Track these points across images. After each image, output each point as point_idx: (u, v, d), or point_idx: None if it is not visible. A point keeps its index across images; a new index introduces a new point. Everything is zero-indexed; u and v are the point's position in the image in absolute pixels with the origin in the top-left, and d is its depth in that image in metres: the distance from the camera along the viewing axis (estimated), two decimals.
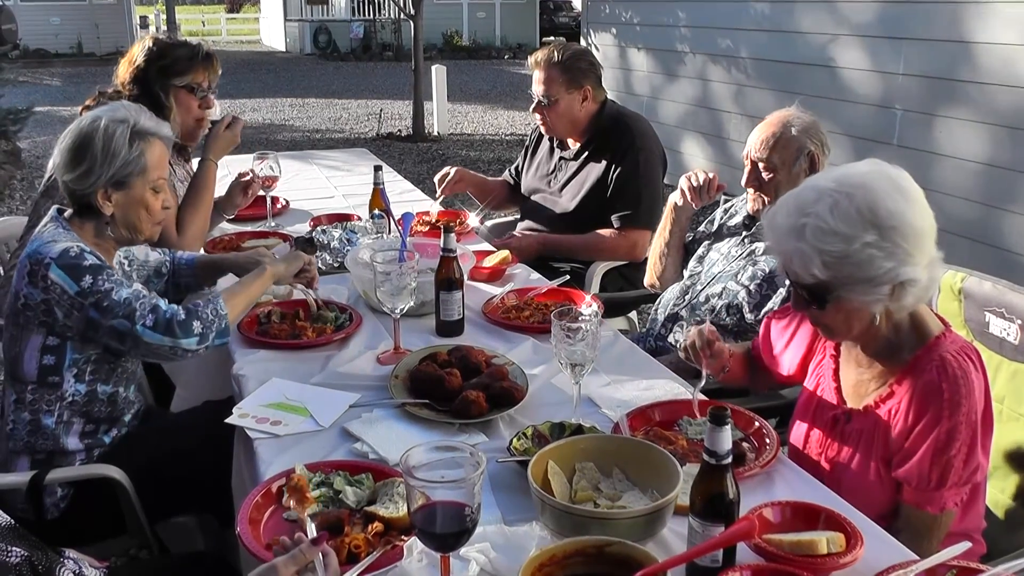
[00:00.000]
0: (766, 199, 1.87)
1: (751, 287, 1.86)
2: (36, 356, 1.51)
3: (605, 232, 2.48)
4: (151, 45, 2.18)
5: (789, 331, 1.49)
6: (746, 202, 1.97)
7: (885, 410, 1.28)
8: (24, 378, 1.52)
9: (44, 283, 1.44)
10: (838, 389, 1.37)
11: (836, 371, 1.38)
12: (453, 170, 2.66)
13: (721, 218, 2.07)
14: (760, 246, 1.91)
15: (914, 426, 1.22)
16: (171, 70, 2.15)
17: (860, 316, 1.24)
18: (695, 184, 1.99)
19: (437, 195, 2.65)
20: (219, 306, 1.53)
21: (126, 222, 1.55)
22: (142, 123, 1.53)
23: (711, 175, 2.00)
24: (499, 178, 2.91)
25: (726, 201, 2.09)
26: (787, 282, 1.72)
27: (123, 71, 2.17)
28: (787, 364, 1.49)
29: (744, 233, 1.97)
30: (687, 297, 1.98)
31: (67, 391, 1.53)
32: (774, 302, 1.82)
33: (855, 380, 1.35)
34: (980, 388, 1.22)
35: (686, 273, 2.06)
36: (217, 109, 2.29)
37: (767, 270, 1.85)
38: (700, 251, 2.06)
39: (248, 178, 2.40)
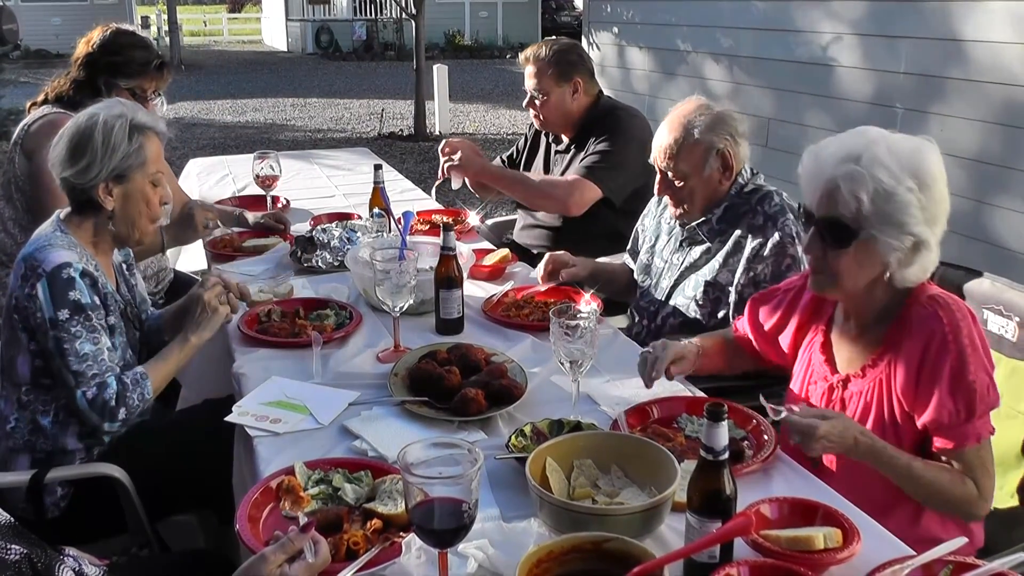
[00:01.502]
0: (685, 206, 1.83)
1: (698, 297, 1.82)
2: (28, 360, 1.52)
3: (553, 177, 2.47)
4: (109, 36, 2.15)
5: (777, 315, 1.50)
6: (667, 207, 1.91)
7: (883, 364, 1.29)
8: (19, 380, 1.53)
9: (31, 291, 1.46)
10: (828, 361, 1.38)
11: (825, 344, 1.40)
12: (462, 143, 2.52)
13: (656, 212, 2.01)
14: (697, 251, 1.86)
15: (921, 363, 1.23)
16: (121, 70, 2.13)
17: (873, 267, 1.26)
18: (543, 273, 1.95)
19: (439, 177, 2.51)
20: (146, 390, 1.51)
21: (126, 217, 1.56)
22: (139, 118, 1.54)
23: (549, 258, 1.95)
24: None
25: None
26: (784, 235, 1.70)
27: (79, 50, 2.16)
28: (782, 343, 1.50)
29: (681, 236, 1.91)
30: (645, 324, 1.93)
31: (61, 393, 1.53)
32: (726, 304, 1.78)
33: (848, 350, 1.36)
34: (973, 315, 1.25)
35: (638, 291, 2.00)
36: (162, 107, 2.24)
37: (710, 278, 1.81)
38: (643, 259, 2.01)
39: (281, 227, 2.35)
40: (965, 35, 3.33)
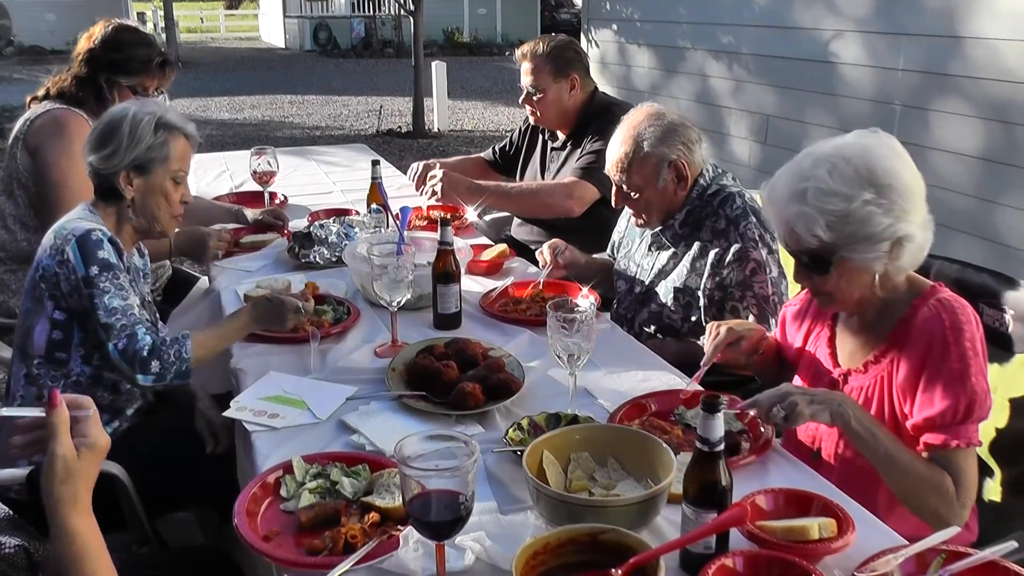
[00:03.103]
0: (644, 216, 1.82)
1: (670, 303, 1.82)
2: (46, 330, 1.54)
3: (549, 183, 2.46)
4: (111, 32, 2.14)
5: (801, 312, 1.50)
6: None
7: (886, 361, 1.29)
8: (32, 352, 1.56)
9: (61, 256, 1.50)
10: (833, 354, 1.39)
11: (831, 338, 1.41)
12: (440, 172, 2.42)
13: (629, 217, 1.98)
14: (664, 256, 1.85)
15: (923, 363, 1.23)
16: (122, 67, 2.12)
17: (861, 278, 1.26)
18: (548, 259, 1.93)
19: (424, 192, 2.47)
20: (184, 349, 1.51)
21: (145, 209, 1.61)
22: (169, 117, 1.61)
23: (550, 254, 1.94)
24: (480, 156, 2.86)
25: None
26: (760, 256, 1.70)
27: (81, 45, 2.16)
28: (797, 341, 1.50)
29: (650, 240, 1.90)
30: (624, 331, 1.91)
31: (72, 370, 1.56)
32: (697, 309, 1.78)
33: (851, 345, 1.37)
34: (978, 322, 1.24)
35: (616, 297, 2.00)
36: (166, 103, 2.24)
37: (679, 283, 1.80)
38: (620, 264, 2.00)
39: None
40: (964, 32, 3.33)
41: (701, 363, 1.44)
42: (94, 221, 1.56)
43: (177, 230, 1.92)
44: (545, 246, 1.99)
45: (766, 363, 1.52)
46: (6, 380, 1.66)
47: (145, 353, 1.48)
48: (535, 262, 2.24)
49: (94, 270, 1.48)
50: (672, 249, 1.84)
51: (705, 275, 1.77)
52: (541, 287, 1.93)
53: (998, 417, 1.43)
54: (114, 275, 1.50)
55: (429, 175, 2.44)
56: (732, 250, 1.73)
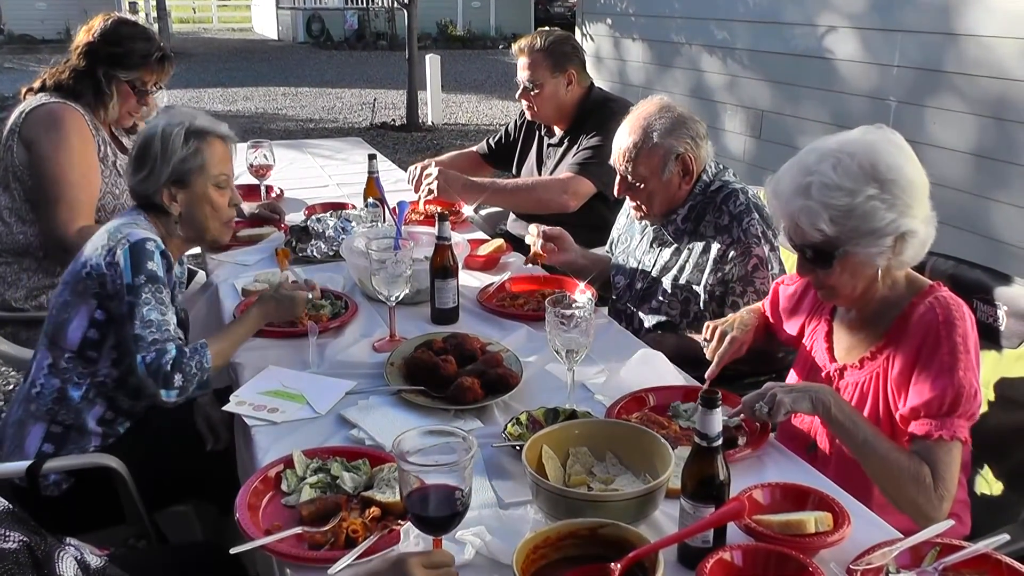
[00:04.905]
0: (644, 208, 1.83)
1: (669, 299, 1.83)
2: (83, 326, 1.54)
3: (544, 178, 2.46)
4: (111, 26, 2.13)
5: (795, 298, 1.52)
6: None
7: (882, 358, 1.31)
8: (64, 345, 1.55)
9: (111, 257, 1.50)
10: (830, 349, 1.41)
11: (828, 333, 1.42)
12: (435, 171, 2.41)
13: (630, 210, 1.97)
14: (667, 252, 1.86)
15: (917, 356, 1.24)
16: (120, 61, 2.11)
17: (864, 272, 1.28)
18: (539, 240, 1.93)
19: (419, 194, 2.47)
20: (205, 359, 1.49)
21: (193, 221, 1.61)
22: (197, 123, 1.60)
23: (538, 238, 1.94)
24: (473, 150, 2.85)
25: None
26: (765, 249, 1.72)
27: (80, 38, 2.14)
28: (791, 329, 1.52)
29: (652, 236, 1.91)
30: (623, 326, 1.91)
31: (100, 370, 1.55)
32: (697, 304, 1.79)
33: (848, 340, 1.38)
34: (972, 322, 1.26)
35: (614, 292, 2.00)
36: (164, 98, 2.23)
37: (680, 280, 1.81)
38: (619, 259, 2.01)
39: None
40: (959, 29, 3.35)
41: (706, 375, 1.46)
42: (149, 229, 1.56)
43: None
44: (531, 226, 1.99)
45: (753, 340, 1.54)
46: (27, 368, 1.63)
47: (169, 368, 1.45)
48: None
49: (140, 279, 1.48)
50: (675, 245, 1.85)
51: (707, 271, 1.78)
52: (536, 251, 1.91)
53: (990, 411, 1.45)
54: (158, 288, 1.50)
55: (424, 173, 2.43)
56: (735, 246, 1.75)
